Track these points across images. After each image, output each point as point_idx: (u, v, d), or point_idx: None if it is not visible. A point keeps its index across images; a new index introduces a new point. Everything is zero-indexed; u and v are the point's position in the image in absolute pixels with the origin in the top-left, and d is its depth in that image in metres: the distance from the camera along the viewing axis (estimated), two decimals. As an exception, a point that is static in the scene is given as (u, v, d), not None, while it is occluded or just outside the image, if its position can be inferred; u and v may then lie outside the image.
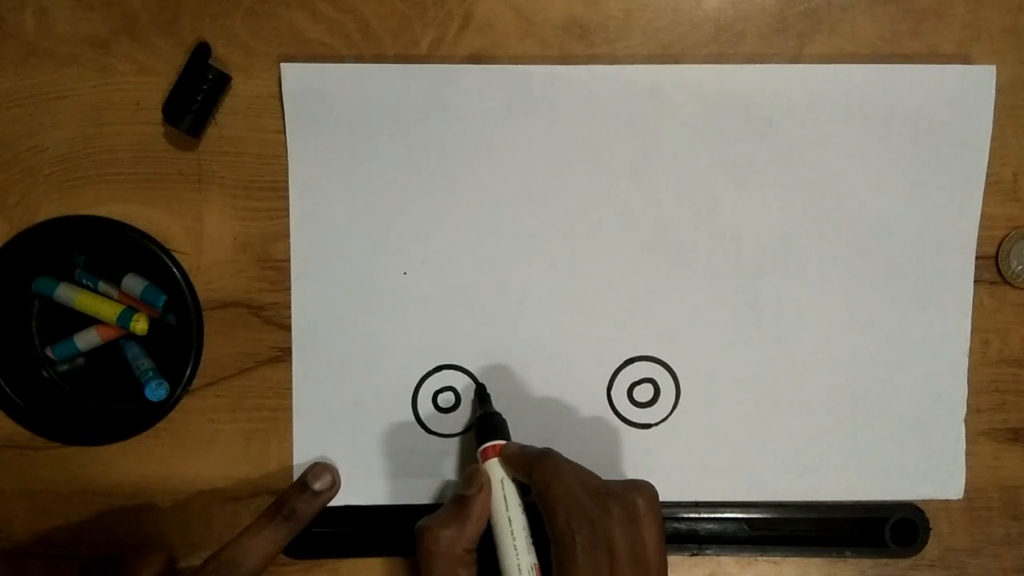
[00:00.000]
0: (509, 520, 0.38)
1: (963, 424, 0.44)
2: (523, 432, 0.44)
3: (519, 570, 0.37)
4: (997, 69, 0.43)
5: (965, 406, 0.44)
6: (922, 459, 0.44)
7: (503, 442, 0.40)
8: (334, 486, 0.42)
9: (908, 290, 0.44)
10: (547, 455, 0.37)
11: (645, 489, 0.36)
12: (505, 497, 0.38)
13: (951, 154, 0.43)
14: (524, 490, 0.39)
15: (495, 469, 0.39)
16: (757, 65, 0.42)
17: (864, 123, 0.43)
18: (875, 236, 0.43)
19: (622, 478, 0.39)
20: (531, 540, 0.37)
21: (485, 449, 0.40)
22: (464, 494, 0.38)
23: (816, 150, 0.43)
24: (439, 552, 0.36)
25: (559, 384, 0.44)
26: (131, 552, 0.37)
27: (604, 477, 0.44)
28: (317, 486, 0.41)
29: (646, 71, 0.42)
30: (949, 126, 0.43)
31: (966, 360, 0.44)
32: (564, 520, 0.34)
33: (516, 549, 0.37)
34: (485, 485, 0.38)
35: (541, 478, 0.36)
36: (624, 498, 0.35)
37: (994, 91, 0.43)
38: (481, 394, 0.43)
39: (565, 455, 0.43)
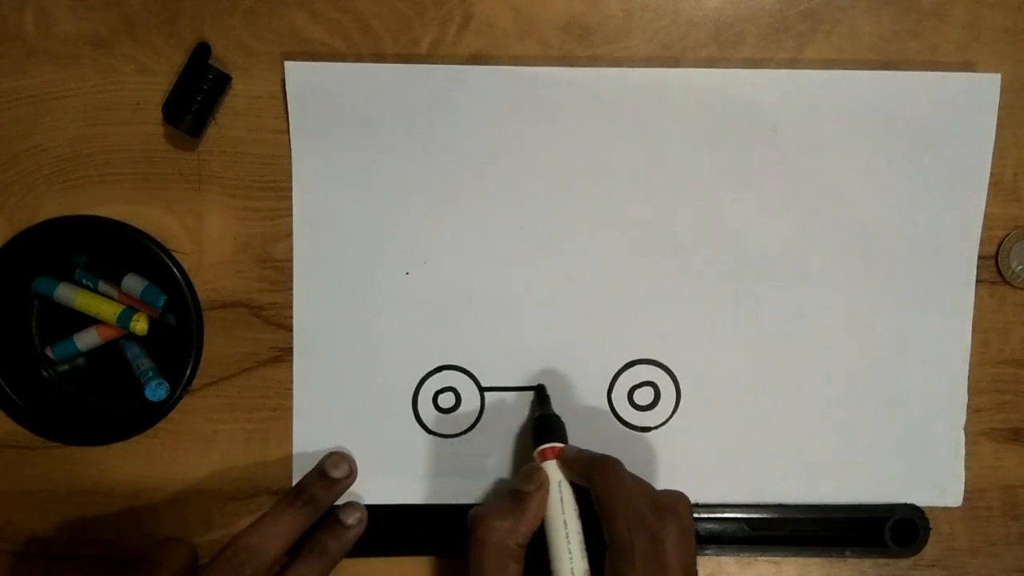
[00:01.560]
0: (564, 523, 0.38)
1: (963, 431, 0.44)
2: (523, 432, 0.44)
3: (571, 573, 0.37)
4: (997, 69, 0.43)
5: (965, 413, 0.44)
6: (921, 465, 0.44)
7: (561, 444, 0.40)
8: (351, 475, 0.42)
9: (909, 296, 0.44)
10: (608, 461, 0.38)
11: (685, 499, 0.37)
12: (562, 499, 0.38)
13: (954, 160, 0.43)
14: (579, 495, 0.39)
15: (553, 470, 0.39)
16: (761, 70, 0.42)
17: (867, 128, 0.43)
18: (876, 242, 0.43)
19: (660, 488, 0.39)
20: (584, 545, 0.38)
21: (544, 450, 0.40)
22: (523, 490, 0.38)
23: (818, 154, 0.43)
24: (492, 543, 0.36)
25: (559, 386, 0.44)
26: (156, 545, 0.38)
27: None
28: (335, 474, 0.41)
29: (650, 74, 0.42)
30: (953, 132, 0.43)
31: (966, 367, 0.44)
32: (625, 528, 0.35)
33: (570, 553, 0.37)
34: (544, 484, 0.38)
35: (602, 484, 0.37)
36: (677, 511, 0.36)
37: (998, 98, 0.43)
38: (541, 395, 0.43)
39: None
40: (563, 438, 0.41)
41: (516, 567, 0.37)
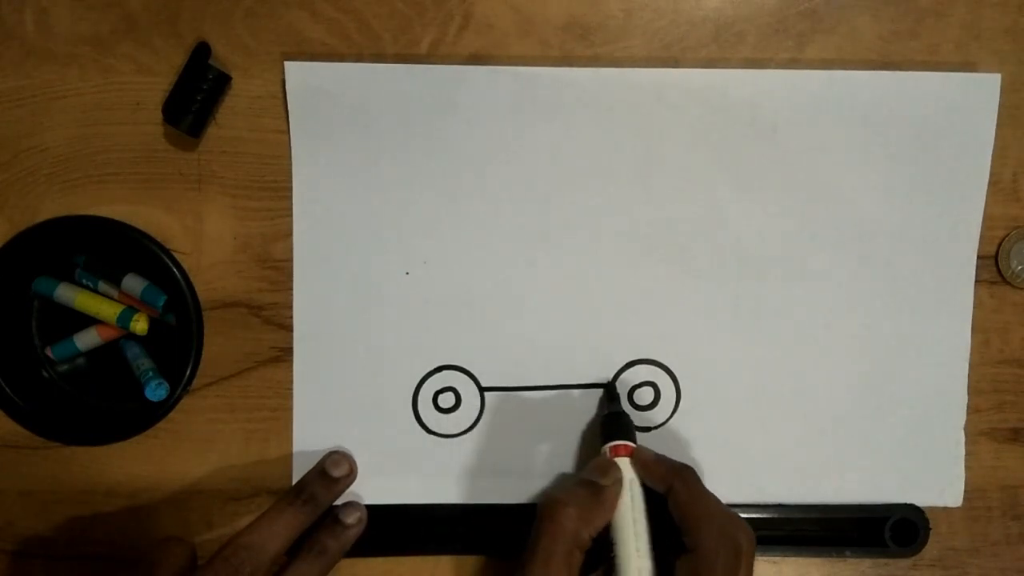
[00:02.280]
0: (634, 521, 0.38)
1: (963, 431, 0.44)
2: (524, 433, 0.44)
3: (639, 572, 0.37)
4: (997, 69, 0.43)
5: (965, 413, 0.44)
6: (921, 465, 0.44)
7: (634, 444, 0.40)
8: (351, 474, 0.42)
9: (909, 296, 0.44)
10: (689, 468, 0.38)
11: (749, 529, 0.37)
12: (632, 498, 0.38)
13: (954, 160, 0.43)
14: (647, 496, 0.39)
15: (625, 468, 0.39)
16: (761, 70, 0.42)
17: (867, 128, 0.43)
18: (876, 242, 0.43)
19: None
20: (650, 546, 0.37)
21: (616, 447, 0.40)
22: (599, 482, 0.38)
23: (818, 154, 0.43)
24: (568, 530, 0.36)
25: (559, 386, 0.43)
26: (155, 544, 0.38)
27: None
28: (336, 473, 0.41)
29: (650, 74, 0.42)
30: (953, 132, 0.43)
31: (966, 367, 0.44)
32: (712, 538, 0.36)
33: (638, 551, 0.37)
34: (620, 479, 0.38)
35: (686, 491, 0.37)
36: (748, 530, 0.37)
37: (998, 98, 0.43)
38: (610, 393, 0.43)
39: (566, 457, 0.44)
40: (633, 437, 0.41)
41: (580, 558, 0.37)
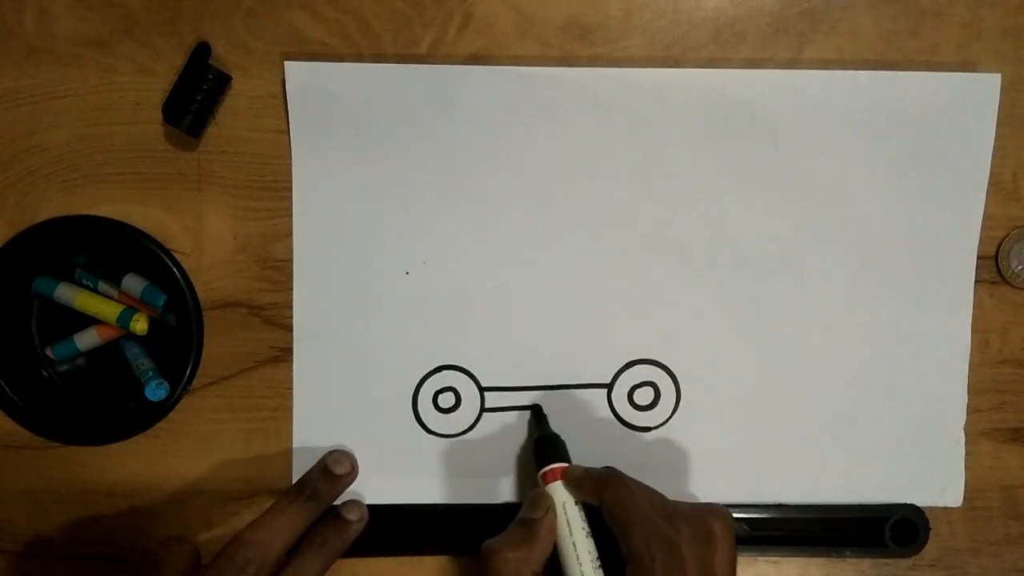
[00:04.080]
0: (574, 545, 0.38)
1: (963, 431, 0.44)
2: (524, 433, 0.44)
3: None
4: (997, 69, 0.43)
5: (965, 413, 0.44)
6: (921, 465, 0.44)
7: (565, 465, 0.40)
8: (353, 471, 0.42)
9: (909, 296, 0.44)
10: (615, 475, 0.38)
11: (720, 514, 0.37)
12: (568, 521, 0.38)
13: (954, 160, 0.43)
14: (591, 513, 0.39)
15: (558, 492, 0.39)
16: (761, 70, 0.42)
17: (867, 128, 0.43)
18: (876, 241, 0.43)
19: (693, 500, 0.39)
20: (598, 563, 0.38)
21: (546, 473, 0.40)
22: (531, 517, 0.38)
23: (818, 154, 0.43)
24: (509, 574, 0.36)
25: (559, 386, 0.43)
26: (158, 544, 0.38)
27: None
28: (338, 470, 0.41)
29: (650, 74, 0.42)
30: (952, 132, 0.43)
31: (966, 367, 0.44)
32: (642, 542, 0.35)
33: (583, 574, 0.37)
34: (551, 508, 0.38)
35: (613, 500, 0.37)
36: (696, 520, 0.36)
37: (998, 98, 0.43)
38: (538, 415, 0.43)
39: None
40: (565, 457, 0.41)
41: None
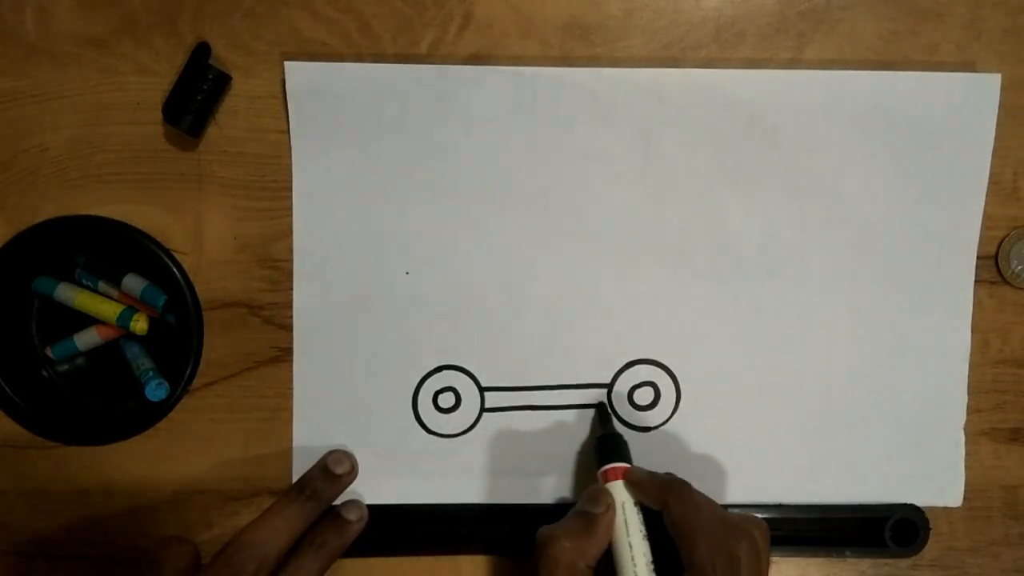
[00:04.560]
0: (630, 545, 0.38)
1: (963, 431, 0.44)
2: (523, 433, 0.44)
3: None
4: (997, 69, 0.43)
5: (965, 413, 0.44)
6: (921, 465, 0.44)
7: (627, 465, 0.40)
8: (353, 471, 0.42)
9: (909, 296, 0.44)
10: (681, 483, 0.38)
11: (762, 526, 0.37)
12: (626, 521, 0.38)
13: (954, 160, 0.43)
14: (645, 515, 0.39)
15: (618, 491, 0.39)
16: (761, 70, 0.42)
17: (867, 128, 0.43)
18: (876, 242, 0.43)
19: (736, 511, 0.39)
20: (652, 567, 0.37)
21: (607, 471, 0.40)
22: (592, 511, 0.38)
23: (818, 154, 0.43)
24: (564, 563, 0.36)
25: (559, 386, 0.43)
26: (158, 544, 0.38)
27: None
28: (338, 470, 0.41)
29: (649, 74, 0.42)
30: (952, 132, 0.43)
31: (966, 367, 0.44)
32: (706, 553, 0.35)
33: (636, 575, 0.37)
34: (612, 505, 0.39)
35: (678, 507, 0.37)
36: (748, 532, 0.36)
37: (998, 98, 0.43)
38: (602, 413, 0.43)
39: (566, 458, 0.44)
40: (627, 457, 0.41)
41: None
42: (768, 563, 0.37)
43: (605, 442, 0.41)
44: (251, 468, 0.44)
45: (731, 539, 0.36)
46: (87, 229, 0.43)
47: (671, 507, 0.37)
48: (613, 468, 0.40)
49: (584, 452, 0.44)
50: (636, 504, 0.39)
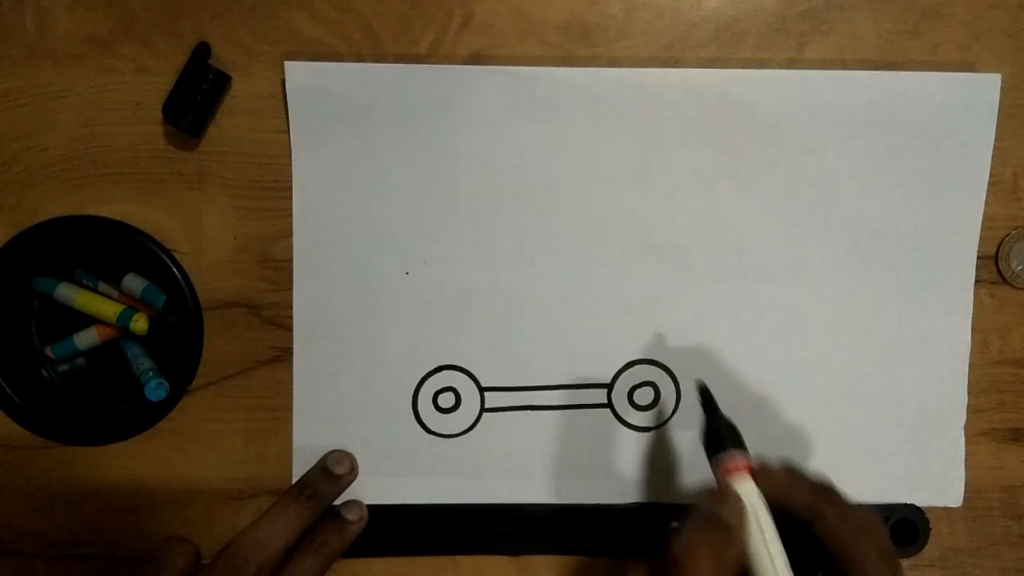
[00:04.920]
0: (770, 554, 0.34)
1: (963, 431, 0.44)
2: (523, 434, 0.44)
3: None
4: (997, 69, 0.43)
5: (965, 413, 0.44)
6: (921, 465, 0.44)
7: (749, 461, 0.36)
8: (353, 471, 0.42)
9: (909, 296, 0.44)
10: (834, 489, 0.36)
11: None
12: (761, 527, 0.34)
13: (954, 160, 0.43)
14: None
15: (748, 492, 0.35)
16: (761, 70, 0.42)
17: (867, 128, 0.43)
18: (876, 242, 0.43)
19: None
20: (791, 570, 0.34)
21: (730, 466, 0.36)
22: (726, 520, 0.34)
23: (818, 154, 0.43)
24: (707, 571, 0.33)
25: (559, 386, 0.43)
26: (159, 544, 0.38)
27: (605, 479, 0.44)
28: (338, 470, 0.42)
29: (649, 74, 0.42)
30: (953, 132, 0.43)
31: (966, 367, 0.44)
32: (878, 558, 0.33)
33: None
34: (743, 511, 0.35)
35: (838, 515, 0.34)
36: (890, 549, 0.35)
37: (998, 98, 0.43)
38: (706, 396, 0.39)
39: (567, 458, 0.44)
40: (743, 446, 0.37)
41: None
42: None
43: (718, 432, 0.37)
44: (251, 468, 0.44)
45: (887, 540, 0.34)
46: (87, 229, 0.43)
47: (829, 517, 0.34)
48: (736, 464, 0.36)
49: (584, 452, 0.44)
50: (767, 506, 0.35)
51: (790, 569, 0.34)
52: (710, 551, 0.33)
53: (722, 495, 0.35)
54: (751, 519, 0.34)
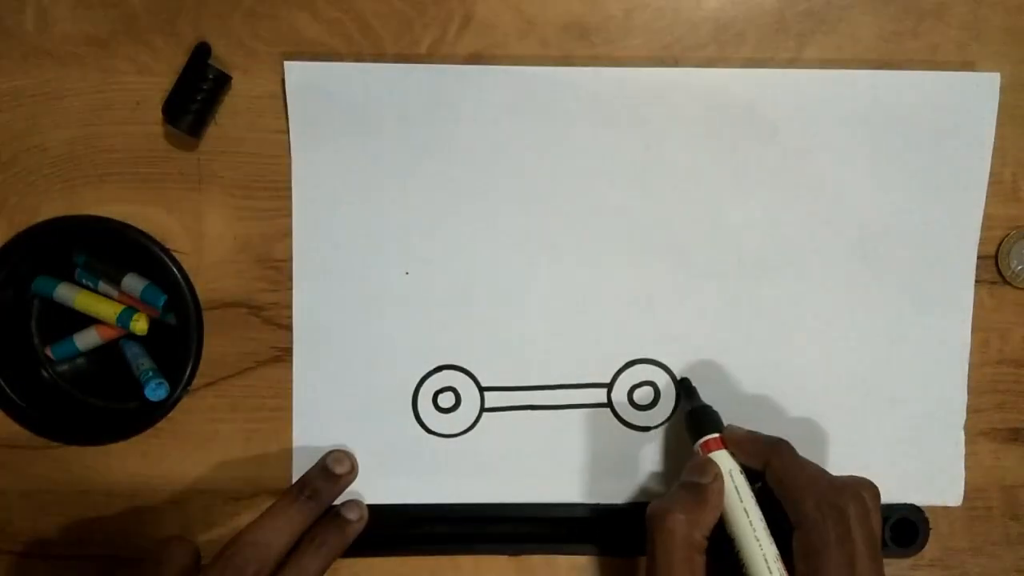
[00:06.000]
0: (746, 511, 0.37)
1: (963, 431, 0.44)
2: (523, 434, 0.44)
3: (765, 560, 0.36)
4: (997, 69, 0.43)
5: (965, 413, 0.44)
6: (921, 465, 0.44)
7: (723, 432, 0.40)
8: (353, 471, 0.42)
9: (909, 296, 0.44)
10: (785, 443, 0.38)
11: (871, 486, 0.37)
12: (737, 488, 0.38)
13: (954, 160, 0.43)
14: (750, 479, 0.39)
15: (723, 460, 0.39)
16: (761, 70, 0.42)
17: (866, 128, 0.43)
18: (876, 242, 0.43)
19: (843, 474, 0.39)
20: (769, 530, 0.37)
21: (707, 442, 0.40)
22: (700, 482, 0.38)
23: (819, 154, 0.43)
24: (681, 535, 0.36)
25: (559, 386, 0.44)
26: (159, 544, 0.38)
27: (605, 479, 0.44)
28: (339, 470, 0.41)
29: (649, 74, 0.42)
30: (952, 132, 0.43)
31: (966, 367, 0.44)
32: (814, 508, 0.35)
33: (758, 540, 0.37)
34: (719, 474, 0.38)
35: (782, 465, 0.37)
36: (856, 491, 0.36)
37: (998, 98, 0.43)
38: (687, 388, 0.43)
39: (567, 458, 0.44)
40: (720, 426, 0.41)
41: (701, 560, 0.36)
42: (879, 524, 0.36)
43: (697, 416, 0.41)
44: (251, 468, 0.44)
45: (840, 496, 0.36)
46: (87, 229, 0.43)
47: (775, 466, 0.37)
48: (713, 439, 0.40)
49: (584, 452, 0.44)
50: (742, 471, 0.39)
51: (765, 523, 0.37)
52: (684, 508, 0.37)
53: (699, 465, 0.39)
54: (727, 480, 0.38)
